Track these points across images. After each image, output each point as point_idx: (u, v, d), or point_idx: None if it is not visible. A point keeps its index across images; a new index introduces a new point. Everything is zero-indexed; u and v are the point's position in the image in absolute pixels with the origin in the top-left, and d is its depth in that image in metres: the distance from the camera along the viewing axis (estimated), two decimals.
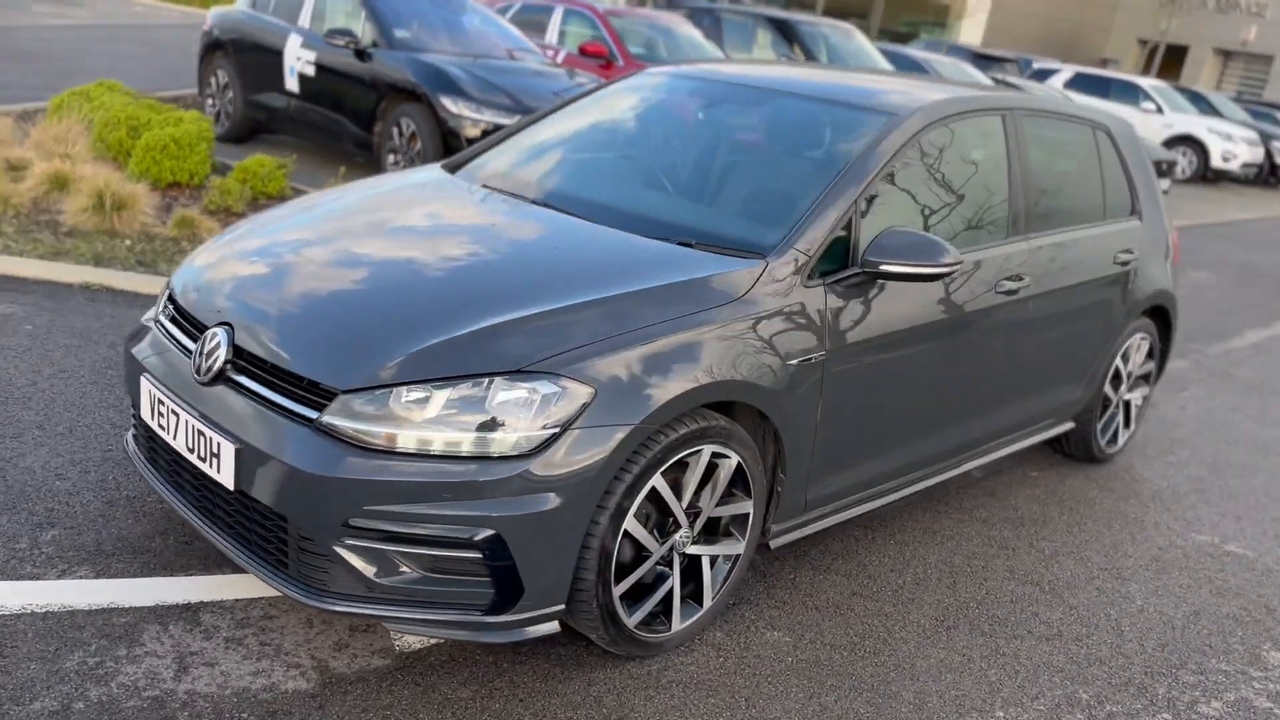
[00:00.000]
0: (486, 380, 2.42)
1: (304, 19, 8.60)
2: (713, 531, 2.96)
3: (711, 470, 2.82)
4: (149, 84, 10.32)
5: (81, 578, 2.76)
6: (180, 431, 2.64)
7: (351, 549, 2.40)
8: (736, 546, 2.97)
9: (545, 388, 2.44)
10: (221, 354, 2.62)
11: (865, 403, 3.20)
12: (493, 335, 2.53)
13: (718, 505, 2.88)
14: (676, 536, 2.79)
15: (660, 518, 2.75)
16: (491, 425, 2.40)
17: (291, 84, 8.43)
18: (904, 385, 3.34)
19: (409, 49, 7.94)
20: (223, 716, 2.34)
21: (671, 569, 2.81)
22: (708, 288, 2.83)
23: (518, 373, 2.44)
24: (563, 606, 2.57)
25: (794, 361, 2.88)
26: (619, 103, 4.00)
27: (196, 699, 2.39)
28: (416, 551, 2.40)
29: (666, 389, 2.57)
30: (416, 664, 2.66)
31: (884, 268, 3.03)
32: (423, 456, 2.38)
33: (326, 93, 8.14)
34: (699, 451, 2.72)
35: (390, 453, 2.38)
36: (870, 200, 3.23)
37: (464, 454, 2.39)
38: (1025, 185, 3.86)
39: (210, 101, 9.37)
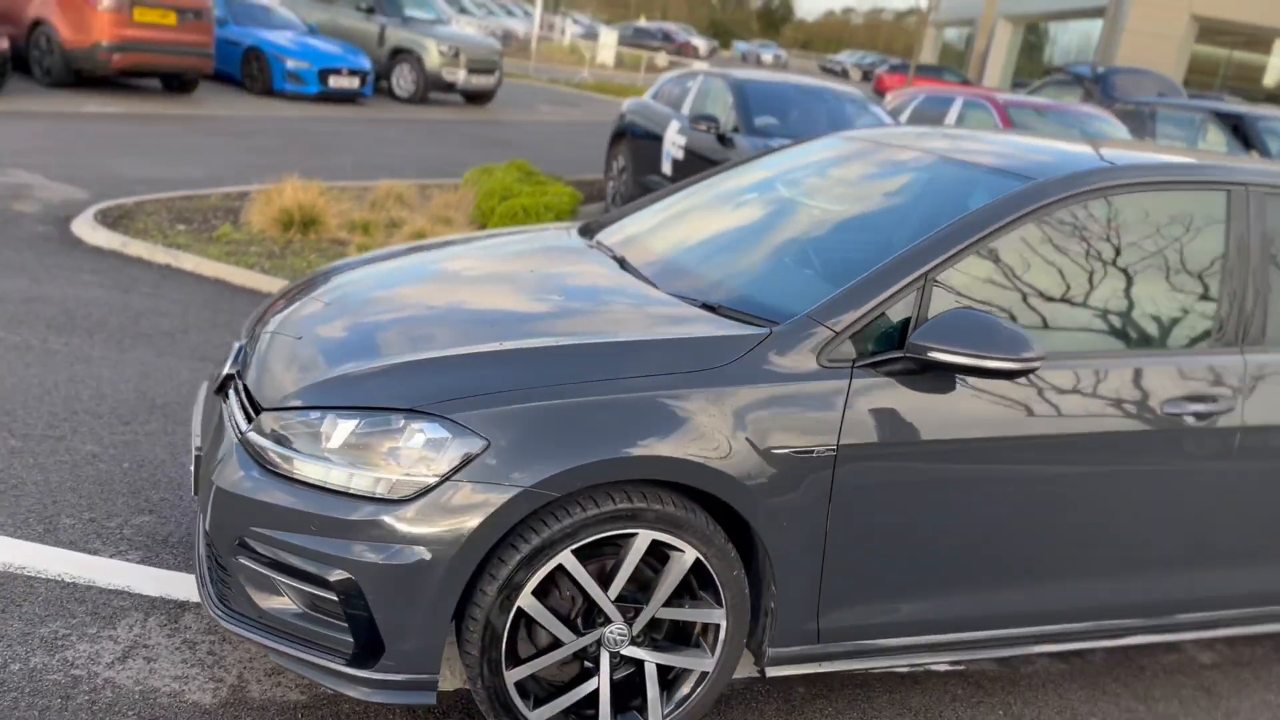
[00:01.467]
0: (378, 416, 2.31)
1: (686, 107, 9.07)
2: (681, 639, 2.55)
3: (664, 562, 2.44)
4: (572, 168, 11.45)
5: (126, 560, 3.05)
6: (193, 437, 2.84)
7: (243, 570, 2.40)
8: (703, 661, 2.52)
9: (433, 431, 2.27)
10: (227, 366, 2.80)
11: (910, 521, 2.59)
12: (408, 371, 2.42)
13: (671, 606, 2.48)
14: (606, 631, 2.44)
15: (589, 605, 2.43)
16: (369, 463, 2.28)
17: (666, 167, 8.88)
18: (982, 511, 2.65)
19: (764, 135, 8.01)
20: (111, 707, 2.44)
21: (599, 667, 2.45)
22: (680, 350, 2.47)
23: (411, 411, 2.30)
24: (435, 677, 2.35)
25: (783, 451, 2.41)
26: (771, 165, 3.70)
27: (107, 686, 2.52)
28: (293, 584, 2.34)
29: (577, 454, 2.27)
30: (326, 707, 2.58)
31: (934, 354, 2.46)
32: (302, 484, 2.32)
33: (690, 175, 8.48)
34: (631, 536, 2.37)
35: (280, 475, 2.35)
36: (950, 277, 2.64)
37: (335, 487, 2.29)
38: (1252, 283, 2.93)
39: (611, 183, 10.19)
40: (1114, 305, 2.85)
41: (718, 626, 2.52)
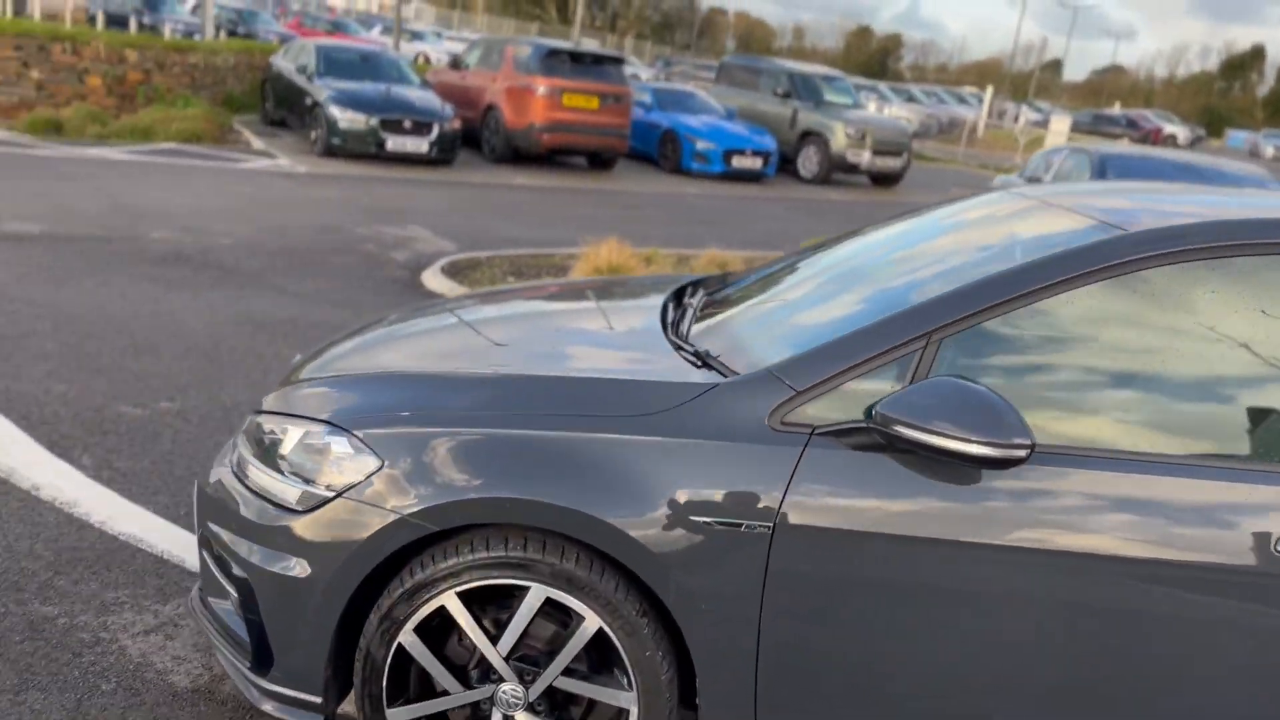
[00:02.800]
0: (312, 426, 2.33)
1: (1048, 179, 8.30)
2: (595, 717, 2.27)
3: (562, 626, 2.20)
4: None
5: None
6: None
7: (202, 561, 2.52)
8: None
9: (339, 447, 2.25)
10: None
11: (870, 631, 2.09)
12: (349, 385, 2.42)
13: (575, 678, 2.21)
14: (500, 690, 2.23)
15: (486, 659, 2.24)
16: (298, 473, 2.30)
17: None
18: (959, 637, 2.07)
19: None
20: (101, 671, 2.67)
21: None
22: (613, 391, 2.22)
23: (328, 424, 2.29)
24: (319, 700, 2.29)
25: (704, 520, 2.07)
26: (902, 223, 3.22)
27: (115, 653, 2.75)
28: (223, 581, 2.42)
29: (460, 489, 2.13)
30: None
31: (898, 429, 1.99)
32: (248, 487, 2.39)
33: None
34: (524, 589, 2.16)
35: (237, 476, 2.44)
36: (968, 342, 2.13)
37: (257, 490, 2.33)
38: None
39: None
40: (1213, 399, 2.12)
41: (626, 713, 2.21)
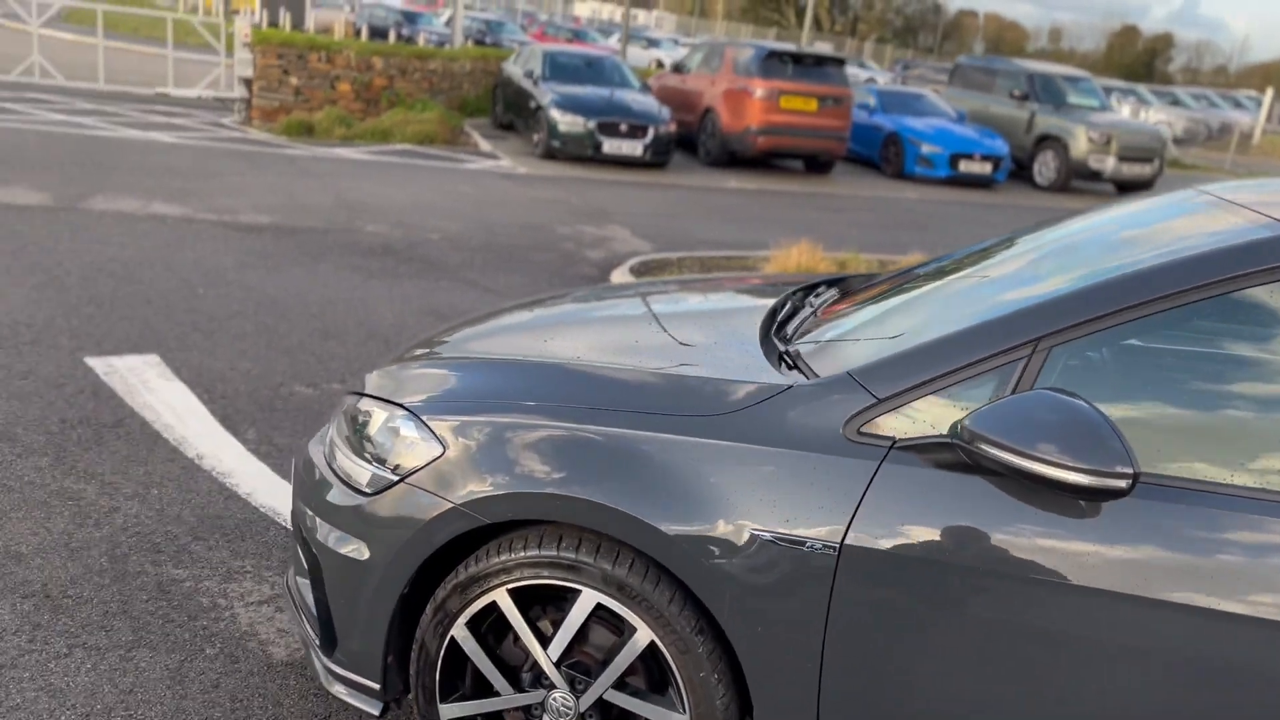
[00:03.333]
0: (391, 410, 2.30)
1: None
2: None
3: (616, 636, 2.06)
4: None
5: None
6: None
7: (294, 538, 2.56)
8: None
9: (408, 430, 2.21)
10: None
11: (945, 669, 1.84)
12: (432, 368, 2.38)
13: (626, 693, 2.07)
14: (551, 696, 2.12)
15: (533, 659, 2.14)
16: (369, 454, 2.28)
17: None
18: (1056, 686, 1.77)
19: None
20: (206, 634, 2.77)
21: None
22: (689, 392, 2.07)
23: (402, 408, 2.26)
24: (378, 686, 2.25)
25: (765, 534, 1.89)
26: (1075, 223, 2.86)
27: (225, 619, 2.85)
28: (301, 556, 2.43)
29: (512, 481, 2.04)
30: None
31: (981, 446, 1.74)
32: (327, 463, 2.40)
33: None
34: (576, 593, 2.04)
35: (326, 455, 2.45)
36: (1085, 350, 1.83)
37: (338, 470, 2.33)
38: None
39: None
40: None
41: None
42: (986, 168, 14.69)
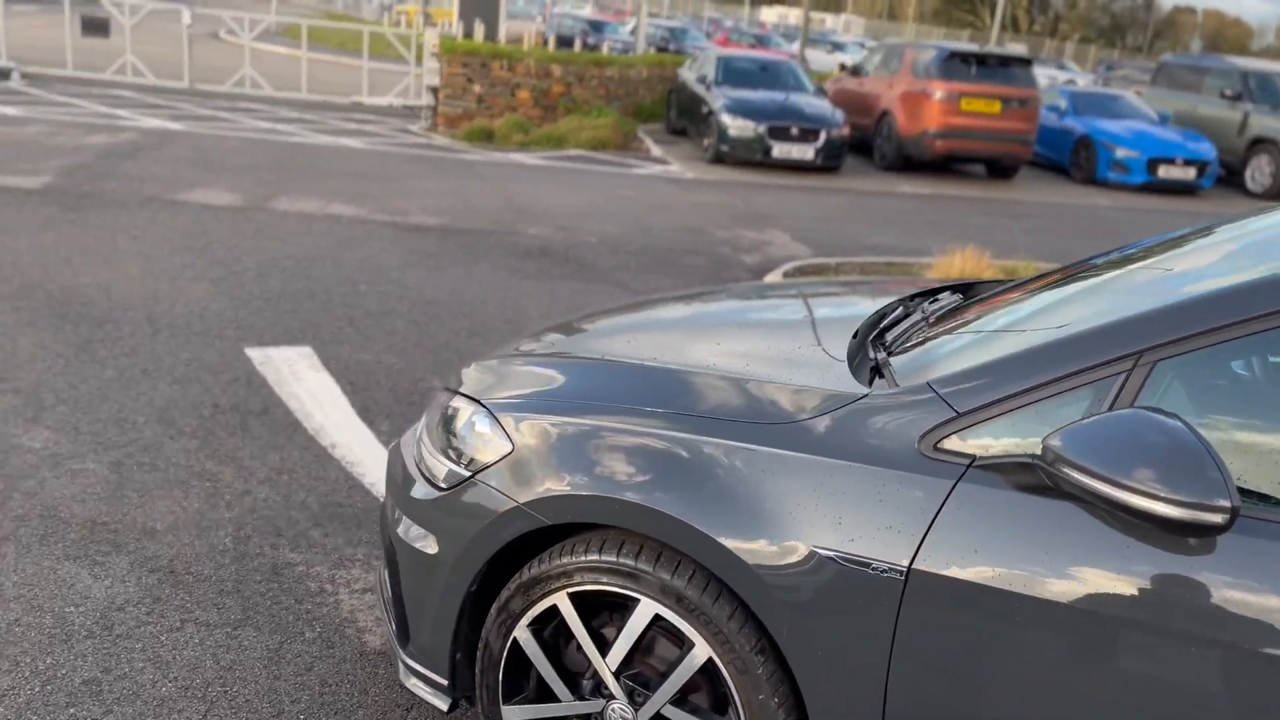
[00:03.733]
0: (472, 406, 2.29)
1: None
2: None
3: (677, 649, 1.98)
4: None
5: None
6: None
7: (382, 532, 2.58)
8: None
9: (483, 427, 2.20)
10: None
11: (1017, 704, 1.66)
12: (518, 365, 2.36)
13: (679, 708, 1.99)
14: (610, 707, 2.06)
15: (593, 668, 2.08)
16: (450, 449, 2.29)
17: None
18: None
19: None
20: (308, 618, 2.85)
21: None
22: (760, 398, 1.97)
23: (479, 404, 2.25)
24: (446, 682, 2.24)
25: (829, 553, 1.77)
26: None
27: (328, 604, 2.93)
28: (385, 548, 2.46)
29: (576, 483, 1.99)
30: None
31: (1065, 469, 1.57)
32: (412, 456, 2.41)
33: None
34: (635, 602, 1.97)
35: (415, 448, 2.47)
36: (1194, 367, 1.63)
37: (419, 463, 2.34)
38: None
39: None
40: None
41: None
42: (1189, 173, 13.67)
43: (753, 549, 1.82)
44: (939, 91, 13.33)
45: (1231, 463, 1.59)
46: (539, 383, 2.24)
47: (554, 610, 2.08)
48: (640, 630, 1.99)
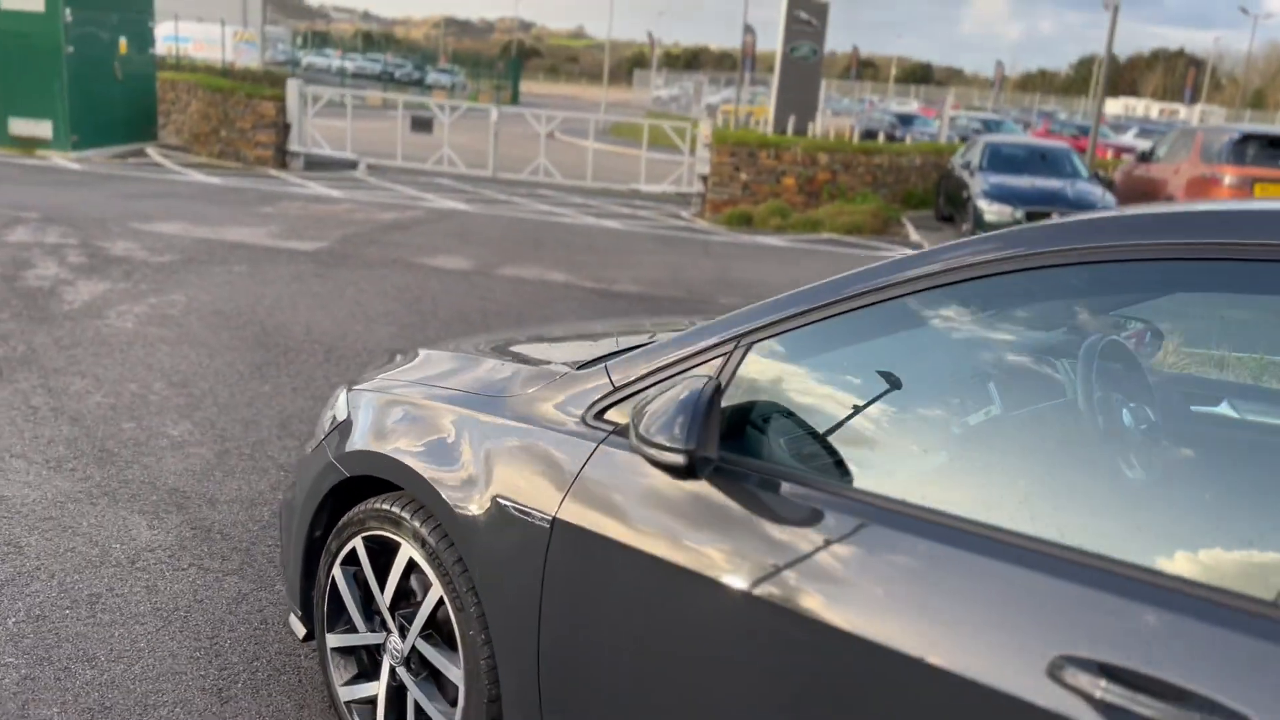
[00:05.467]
0: (342, 387, 2.73)
1: None
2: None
3: (425, 589, 2.29)
4: None
5: None
6: None
7: None
8: (441, 712, 2.24)
9: (339, 400, 2.64)
10: None
11: (624, 644, 1.84)
12: (400, 363, 2.78)
13: (427, 641, 2.28)
14: (389, 639, 2.38)
15: (393, 605, 2.41)
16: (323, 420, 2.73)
17: None
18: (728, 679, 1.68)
19: None
20: None
21: (395, 675, 2.40)
22: (498, 378, 2.29)
23: (348, 384, 2.69)
24: (301, 614, 2.65)
25: (507, 502, 2.04)
26: None
27: None
28: None
29: (362, 442, 2.38)
30: None
31: (631, 436, 1.80)
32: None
33: None
34: (398, 545, 2.31)
35: None
36: (776, 348, 1.78)
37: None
38: None
39: None
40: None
41: (457, 689, 2.20)
42: None
43: (463, 499, 2.12)
44: (1229, 177, 12.33)
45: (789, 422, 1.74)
46: (391, 371, 2.65)
47: (354, 553, 2.45)
48: (401, 572, 2.32)
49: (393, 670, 2.39)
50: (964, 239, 1.77)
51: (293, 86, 16.33)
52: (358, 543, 2.43)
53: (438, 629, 2.29)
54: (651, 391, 1.86)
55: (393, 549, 2.37)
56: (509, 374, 2.32)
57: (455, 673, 2.21)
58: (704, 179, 15.54)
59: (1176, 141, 14.13)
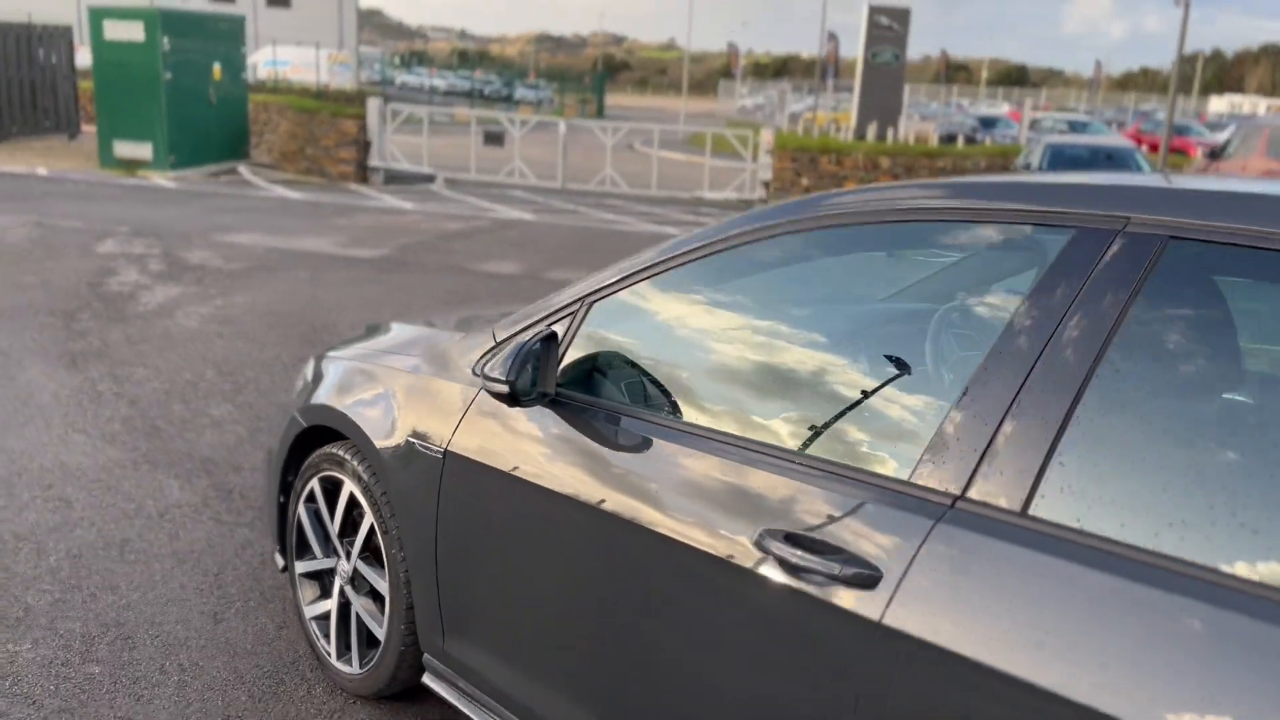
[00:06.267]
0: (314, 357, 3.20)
1: None
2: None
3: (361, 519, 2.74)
4: None
5: None
6: None
7: None
8: (379, 630, 2.67)
9: (310, 366, 3.10)
10: None
11: (497, 560, 2.25)
12: (369, 334, 3.23)
13: (365, 563, 2.72)
14: (339, 563, 2.83)
15: (341, 534, 2.86)
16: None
17: None
18: (572, 586, 2.10)
19: None
20: None
21: (343, 594, 2.84)
22: (438, 343, 2.69)
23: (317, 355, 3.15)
24: (278, 548, 3.11)
25: (414, 439, 2.48)
26: None
27: None
28: None
29: (315, 396, 2.84)
30: None
31: (480, 378, 2.25)
32: None
33: None
34: (343, 483, 2.75)
35: None
36: (612, 305, 2.19)
37: None
38: None
39: None
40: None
41: (383, 599, 2.63)
42: None
43: (386, 441, 2.55)
44: None
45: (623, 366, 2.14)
46: (361, 341, 3.10)
47: (312, 492, 2.90)
48: (345, 505, 2.76)
49: (342, 589, 2.84)
50: (766, 208, 2.13)
51: (373, 105, 17.17)
52: (315, 483, 2.89)
53: (373, 553, 2.73)
54: (511, 343, 2.27)
55: (340, 486, 2.82)
56: (445, 340, 2.75)
57: (383, 585, 2.64)
58: (766, 185, 15.86)
59: (1244, 137, 13.93)
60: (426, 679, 2.58)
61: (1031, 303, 1.62)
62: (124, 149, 16.01)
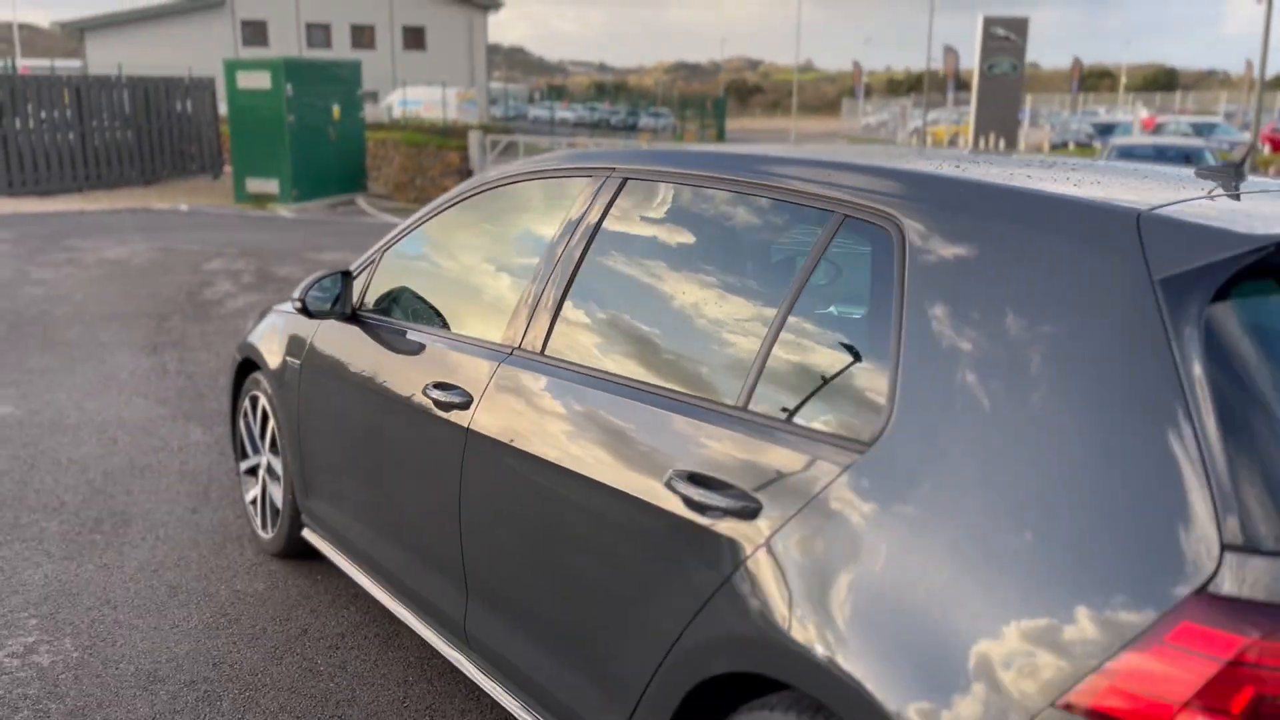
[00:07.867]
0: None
1: None
2: None
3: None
4: None
5: None
6: None
7: None
8: (279, 501, 3.66)
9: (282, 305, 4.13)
10: None
11: (325, 434, 3.23)
12: None
13: (272, 452, 3.72)
14: (264, 458, 3.83)
15: (261, 437, 3.86)
16: None
17: None
18: (378, 460, 2.98)
19: None
20: None
21: (263, 481, 3.85)
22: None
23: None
24: (236, 456, 4.15)
25: (287, 359, 3.46)
26: None
27: None
28: None
29: (249, 337, 3.86)
30: None
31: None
32: None
33: None
34: (258, 399, 3.76)
35: None
36: (399, 249, 3.16)
37: None
38: None
39: None
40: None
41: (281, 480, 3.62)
42: None
43: (276, 364, 3.55)
44: None
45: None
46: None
47: (253, 401, 3.92)
48: (261, 415, 3.77)
49: (262, 477, 3.84)
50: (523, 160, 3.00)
51: (474, 137, 18.61)
52: (245, 402, 3.91)
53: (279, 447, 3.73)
54: (360, 280, 3.22)
55: (258, 402, 3.82)
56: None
57: (279, 469, 3.63)
58: None
59: None
60: (304, 532, 3.55)
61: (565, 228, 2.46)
62: (254, 185, 17.87)
